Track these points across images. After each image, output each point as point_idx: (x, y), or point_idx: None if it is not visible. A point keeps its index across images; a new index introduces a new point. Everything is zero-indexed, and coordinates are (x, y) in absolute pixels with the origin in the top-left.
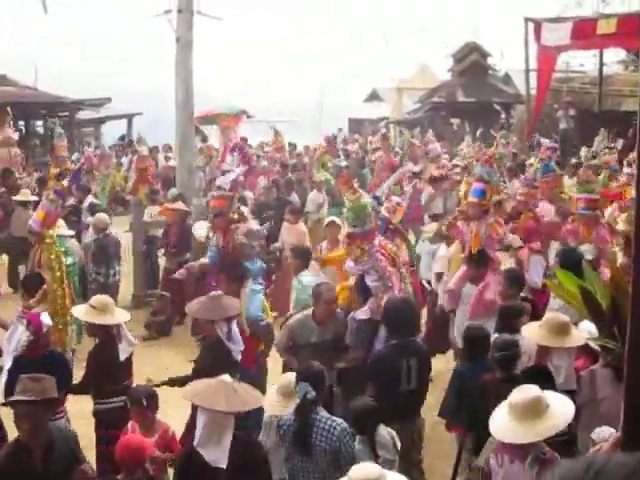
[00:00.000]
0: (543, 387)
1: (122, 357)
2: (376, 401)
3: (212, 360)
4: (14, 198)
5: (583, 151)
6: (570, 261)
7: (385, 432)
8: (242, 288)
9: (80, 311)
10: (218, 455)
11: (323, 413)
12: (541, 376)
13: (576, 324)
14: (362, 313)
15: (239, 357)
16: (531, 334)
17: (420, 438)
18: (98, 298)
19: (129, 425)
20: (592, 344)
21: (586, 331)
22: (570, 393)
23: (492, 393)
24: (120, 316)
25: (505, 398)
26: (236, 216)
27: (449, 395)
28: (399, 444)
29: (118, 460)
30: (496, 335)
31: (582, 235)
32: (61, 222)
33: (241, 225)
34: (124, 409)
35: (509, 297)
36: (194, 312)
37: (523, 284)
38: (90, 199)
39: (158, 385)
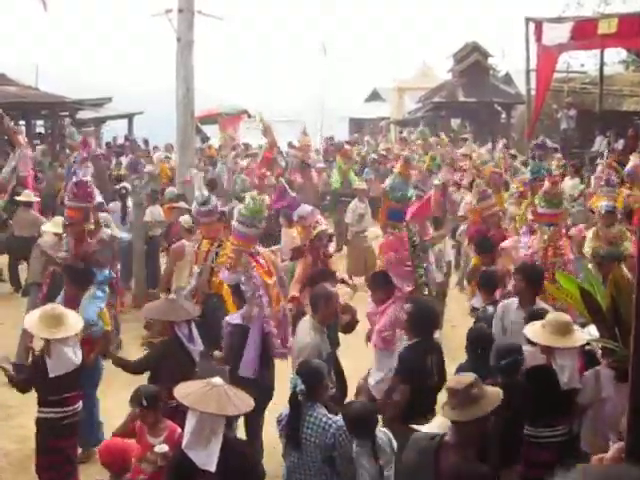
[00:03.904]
0: (546, 387)
1: (50, 374)
2: (411, 400)
3: (171, 359)
4: (17, 198)
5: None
6: (532, 274)
7: (382, 434)
8: (83, 293)
9: (29, 321)
10: (206, 458)
11: (320, 410)
12: (544, 376)
13: None
14: (235, 318)
15: (198, 358)
16: (535, 334)
17: None
18: (48, 310)
19: (136, 426)
20: (594, 345)
21: (588, 332)
22: (573, 392)
23: None
24: (64, 330)
25: (506, 404)
26: (92, 226)
27: None
28: (395, 445)
29: (103, 465)
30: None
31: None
32: (60, 219)
33: (97, 234)
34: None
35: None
36: (154, 314)
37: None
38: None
39: (112, 358)
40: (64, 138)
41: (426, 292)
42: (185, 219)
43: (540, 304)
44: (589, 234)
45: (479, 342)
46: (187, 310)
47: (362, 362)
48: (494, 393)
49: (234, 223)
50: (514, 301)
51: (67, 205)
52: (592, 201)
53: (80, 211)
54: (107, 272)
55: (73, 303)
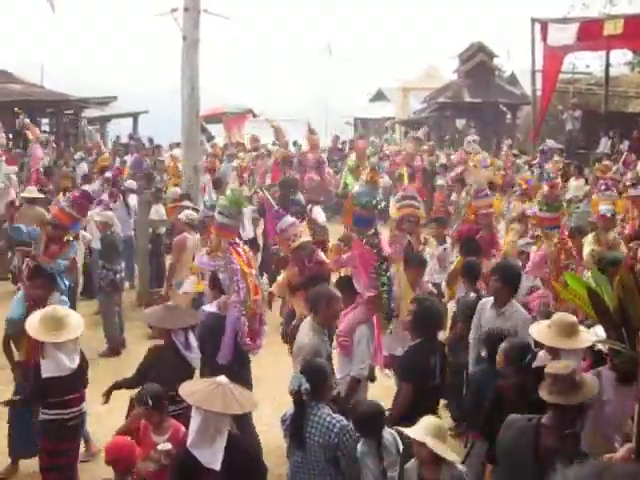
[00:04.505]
0: None
1: (43, 374)
2: (414, 400)
3: (166, 366)
4: (21, 195)
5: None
6: (508, 275)
7: (388, 434)
8: (50, 297)
9: (30, 324)
10: (212, 456)
11: (324, 410)
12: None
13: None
14: (211, 306)
15: (197, 364)
16: (540, 334)
17: None
18: (49, 312)
19: (141, 425)
20: (600, 346)
21: (594, 333)
22: None
23: (508, 402)
24: (64, 333)
25: (519, 407)
26: (71, 238)
27: (466, 398)
28: (401, 446)
29: (110, 463)
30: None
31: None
32: None
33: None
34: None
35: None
36: (152, 320)
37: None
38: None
39: (109, 393)
40: (68, 136)
41: (385, 298)
42: (185, 214)
43: (514, 304)
44: (589, 238)
45: (495, 346)
46: (184, 318)
47: None
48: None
49: (215, 214)
50: (490, 300)
51: (60, 206)
52: (592, 204)
53: (71, 220)
54: (65, 280)
55: (36, 306)
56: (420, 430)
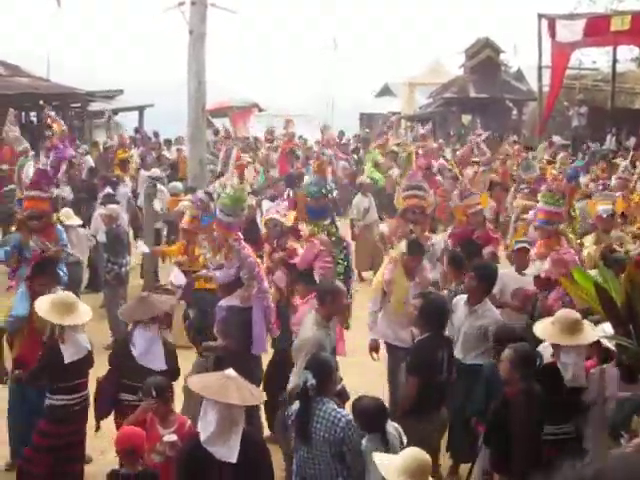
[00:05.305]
0: (552, 384)
1: (66, 360)
2: (420, 394)
3: (127, 357)
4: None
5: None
6: (484, 274)
7: (392, 428)
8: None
9: (41, 307)
10: (228, 451)
11: (330, 405)
12: (550, 374)
13: None
14: (230, 300)
15: (142, 362)
16: (544, 332)
17: (445, 426)
18: (61, 296)
19: (147, 417)
20: (606, 342)
21: (602, 330)
22: (579, 390)
23: (516, 409)
24: (75, 317)
25: (527, 413)
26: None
27: (477, 392)
28: (405, 440)
29: (119, 453)
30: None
31: (539, 251)
32: (70, 212)
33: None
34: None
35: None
36: (121, 313)
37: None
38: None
39: None
40: (74, 130)
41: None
42: (184, 204)
43: (487, 303)
44: (589, 239)
45: (506, 343)
46: (142, 311)
47: (354, 359)
48: None
49: (217, 212)
50: (464, 297)
51: (27, 195)
52: (589, 205)
53: (45, 202)
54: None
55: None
56: (395, 468)
